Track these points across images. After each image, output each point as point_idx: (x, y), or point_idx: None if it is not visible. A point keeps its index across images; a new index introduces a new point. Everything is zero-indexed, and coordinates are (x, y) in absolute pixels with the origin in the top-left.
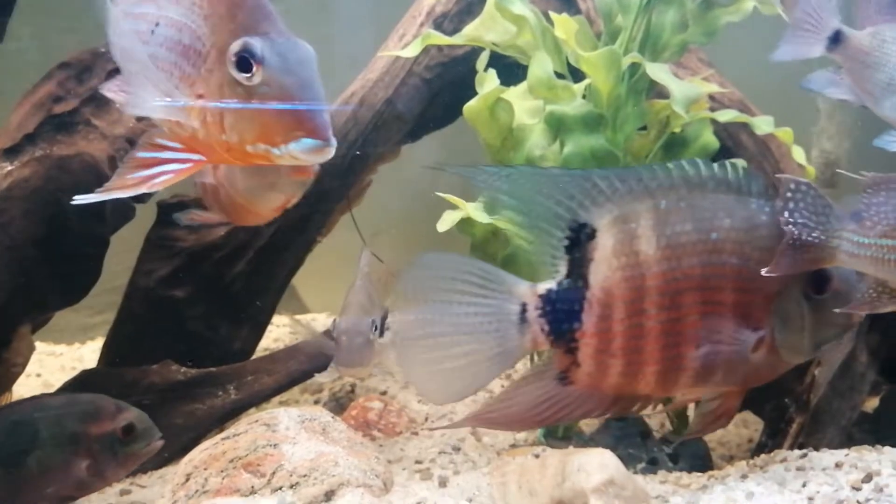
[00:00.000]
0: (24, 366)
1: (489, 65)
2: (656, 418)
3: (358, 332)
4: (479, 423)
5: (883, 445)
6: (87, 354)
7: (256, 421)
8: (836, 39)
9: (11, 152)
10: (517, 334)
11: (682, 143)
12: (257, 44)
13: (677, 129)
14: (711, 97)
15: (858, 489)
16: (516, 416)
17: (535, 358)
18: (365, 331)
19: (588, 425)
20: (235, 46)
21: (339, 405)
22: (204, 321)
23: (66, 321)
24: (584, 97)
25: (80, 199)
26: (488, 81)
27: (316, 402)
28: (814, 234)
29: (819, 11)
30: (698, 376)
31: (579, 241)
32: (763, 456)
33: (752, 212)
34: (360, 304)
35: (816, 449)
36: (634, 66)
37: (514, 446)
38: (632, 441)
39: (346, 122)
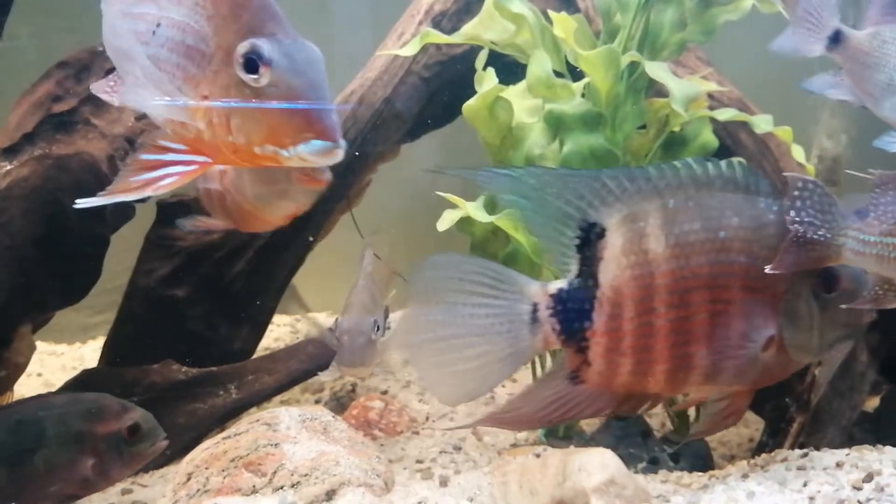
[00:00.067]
0: (24, 365)
1: (488, 63)
2: (657, 418)
3: (360, 332)
4: (495, 423)
5: (884, 445)
6: (88, 354)
7: (257, 420)
8: (835, 39)
9: (10, 152)
10: (529, 334)
11: (682, 141)
12: (265, 45)
13: (676, 128)
14: (710, 96)
15: (859, 489)
16: (529, 415)
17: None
18: (367, 331)
19: (589, 425)
20: (243, 48)
21: (340, 404)
22: (204, 321)
23: (67, 321)
24: (583, 96)
25: (82, 203)
26: (487, 80)
27: (317, 402)
28: (819, 233)
29: (819, 11)
30: (708, 375)
31: (589, 240)
32: (764, 455)
33: (759, 210)
34: (363, 304)
35: (817, 448)
36: (633, 65)
37: (514, 446)
38: (633, 441)
39: (346, 122)
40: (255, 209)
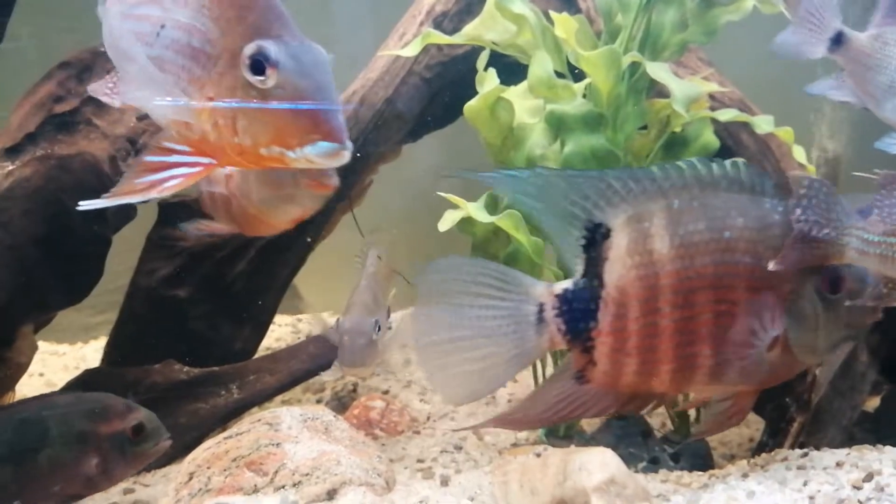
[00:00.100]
0: (26, 365)
1: (489, 64)
2: (657, 418)
3: (360, 333)
4: (504, 424)
5: (884, 445)
6: (90, 354)
7: (259, 420)
8: (837, 41)
9: (12, 152)
10: (535, 335)
11: (683, 142)
12: (271, 47)
13: (678, 129)
14: (711, 96)
15: (859, 488)
16: (536, 415)
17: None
18: (367, 331)
19: (589, 424)
20: (249, 49)
21: (341, 404)
22: (206, 321)
23: (69, 321)
24: (584, 96)
25: (86, 205)
26: (488, 81)
27: (318, 402)
28: (824, 231)
29: (821, 12)
30: (713, 375)
31: (595, 240)
32: (764, 455)
33: (764, 211)
34: (364, 304)
35: (817, 448)
36: (634, 66)
37: (515, 445)
38: (633, 440)
39: (347, 122)
40: (261, 213)
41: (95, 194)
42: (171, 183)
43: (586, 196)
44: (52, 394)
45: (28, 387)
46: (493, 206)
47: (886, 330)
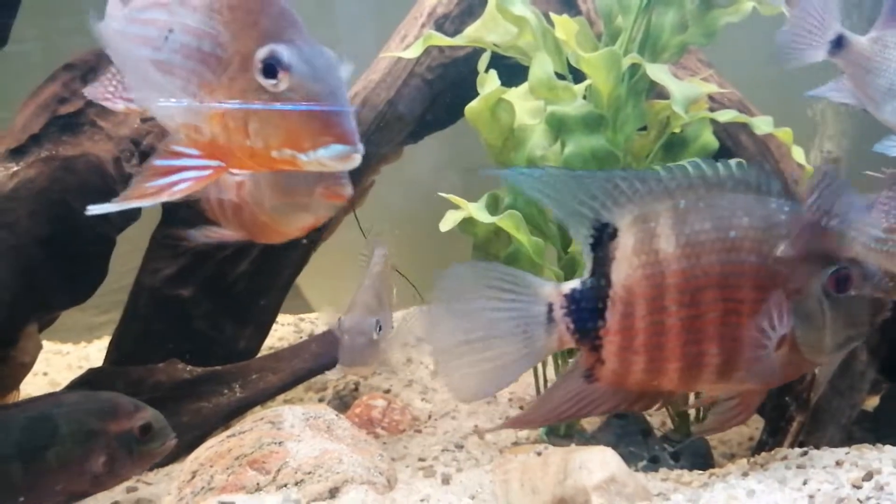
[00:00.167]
0: (31, 364)
1: (490, 66)
2: (657, 417)
3: (361, 332)
4: (518, 425)
5: (883, 444)
6: (94, 353)
7: (261, 419)
8: (838, 44)
9: (17, 153)
10: (544, 334)
11: (682, 143)
12: (284, 51)
13: (677, 130)
14: (711, 97)
15: (859, 487)
16: (547, 414)
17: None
18: (368, 331)
19: (590, 423)
20: (262, 53)
21: (343, 403)
22: (209, 320)
23: (73, 320)
24: (584, 98)
25: (95, 210)
26: (489, 82)
27: (320, 401)
28: (833, 222)
29: (822, 15)
30: (720, 373)
31: (602, 240)
32: (764, 454)
33: (770, 210)
34: (366, 304)
35: (817, 447)
36: (634, 67)
37: (516, 444)
38: (633, 439)
39: None
40: (273, 221)
41: (100, 195)
42: (181, 186)
43: (594, 196)
44: (61, 392)
45: (32, 386)
46: (494, 207)
47: (886, 330)
